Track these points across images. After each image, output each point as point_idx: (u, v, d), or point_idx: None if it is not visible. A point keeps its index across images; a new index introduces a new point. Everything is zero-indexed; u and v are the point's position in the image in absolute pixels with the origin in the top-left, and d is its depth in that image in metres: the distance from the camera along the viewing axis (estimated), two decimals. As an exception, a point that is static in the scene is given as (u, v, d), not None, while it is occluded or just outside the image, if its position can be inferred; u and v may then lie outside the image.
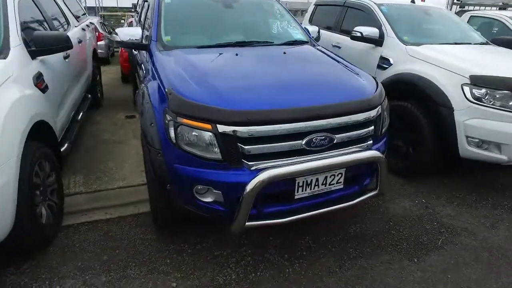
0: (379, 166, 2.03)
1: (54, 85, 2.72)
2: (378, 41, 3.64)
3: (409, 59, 3.29)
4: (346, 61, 2.65)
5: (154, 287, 1.97)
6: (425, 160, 3.06)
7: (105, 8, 22.45)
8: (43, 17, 3.20)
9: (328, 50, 2.89)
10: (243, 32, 2.96)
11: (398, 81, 3.31)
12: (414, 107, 3.08)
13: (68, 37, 2.75)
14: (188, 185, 1.88)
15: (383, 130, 2.23)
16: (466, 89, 2.77)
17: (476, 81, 2.74)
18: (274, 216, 1.92)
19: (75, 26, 4.18)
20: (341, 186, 2.03)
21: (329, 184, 1.98)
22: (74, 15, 4.34)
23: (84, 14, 5.20)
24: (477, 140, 2.77)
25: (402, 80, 3.28)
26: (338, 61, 2.56)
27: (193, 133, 1.80)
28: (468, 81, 2.76)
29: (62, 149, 2.80)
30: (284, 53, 2.61)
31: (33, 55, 2.53)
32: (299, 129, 1.83)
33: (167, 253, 2.24)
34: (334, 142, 1.92)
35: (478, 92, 2.73)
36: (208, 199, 1.90)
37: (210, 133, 1.76)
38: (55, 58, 2.92)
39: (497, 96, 2.70)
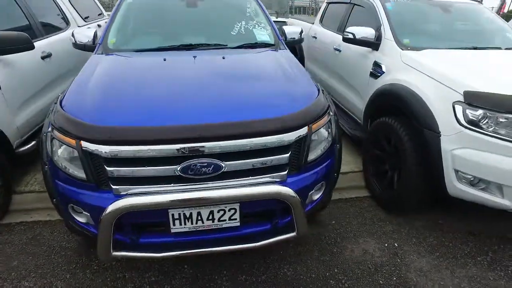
0: (290, 205, 1.61)
1: (11, 84, 2.78)
2: (373, 44, 3.05)
3: (402, 67, 2.68)
4: (298, 69, 2.22)
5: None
6: (409, 193, 2.46)
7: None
8: (26, 16, 3.32)
9: (286, 57, 2.47)
10: (197, 34, 2.69)
11: (385, 93, 2.73)
12: (399, 126, 2.49)
13: (28, 37, 2.80)
14: (64, 202, 1.72)
15: (313, 158, 1.78)
16: (458, 109, 2.12)
17: (471, 98, 2.08)
18: (150, 249, 1.66)
19: (78, 26, 4.33)
20: (237, 224, 1.67)
21: (219, 220, 1.64)
22: (81, 15, 4.50)
23: (100, 14, 5.40)
24: (469, 177, 2.11)
25: (388, 92, 2.69)
26: (281, 71, 2.14)
27: (61, 149, 1.62)
28: (461, 99, 2.12)
29: (22, 149, 2.87)
30: (223, 58, 2.28)
31: (-13, 55, 2.61)
32: (173, 153, 1.52)
33: (74, 266, 2.12)
34: (223, 170, 1.57)
35: (473, 113, 2.07)
36: (83, 220, 1.72)
37: (73, 150, 1.57)
38: (26, 58, 2.98)
39: (501, 121, 2.01)
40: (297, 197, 1.62)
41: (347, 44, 3.31)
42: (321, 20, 4.74)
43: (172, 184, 1.56)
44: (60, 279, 2.03)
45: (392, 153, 2.61)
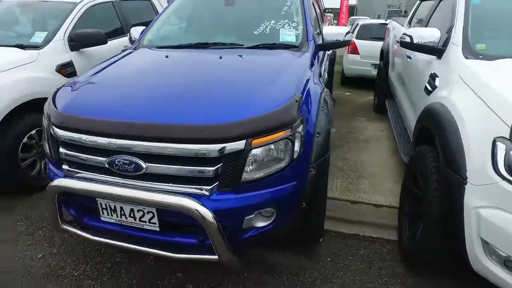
0: (201, 223, 1.45)
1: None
2: (436, 51, 2.35)
3: (456, 81, 1.97)
4: (290, 76, 1.91)
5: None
6: (425, 250, 1.84)
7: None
8: (119, 19, 4.01)
9: (294, 61, 2.17)
10: (219, 33, 2.65)
11: (425, 114, 2.08)
12: (431, 159, 1.87)
13: (103, 34, 3.38)
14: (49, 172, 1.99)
15: (254, 178, 1.53)
16: (500, 148, 1.43)
17: (522, 136, 1.37)
18: (89, 231, 1.77)
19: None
20: (157, 228, 1.60)
21: (140, 220, 1.61)
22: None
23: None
24: (503, 254, 1.42)
25: (427, 113, 2.04)
26: (266, 76, 1.89)
27: (45, 130, 1.88)
28: (507, 134, 1.43)
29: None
30: (220, 58, 2.18)
31: (72, 48, 3.27)
32: (104, 146, 1.57)
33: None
34: (144, 171, 1.53)
35: (520, 159, 1.36)
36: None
37: (48, 131, 1.81)
38: (102, 50, 3.55)
39: None
40: (211, 216, 1.43)
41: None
42: (409, 22, 3.97)
43: (102, 175, 1.62)
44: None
45: (419, 191, 1.99)
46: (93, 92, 1.88)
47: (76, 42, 3.26)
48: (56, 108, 1.76)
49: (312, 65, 2.29)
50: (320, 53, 2.78)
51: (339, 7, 19.83)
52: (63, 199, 1.75)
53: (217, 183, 1.52)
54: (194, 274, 2.01)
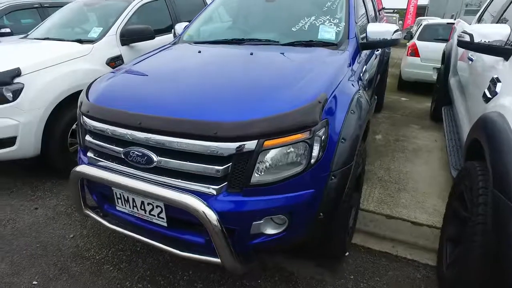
0: (204, 224, 1.39)
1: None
2: (502, 51, 2.00)
3: (521, 87, 1.65)
4: (317, 76, 1.76)
5: None
6: (467, 279, 1.56)
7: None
8: (170, 16, 4.16)
9: (328, 60, 2.00)
10: (257, 29, 2.57)
11: (478, 125, 1.78)
12: (479, 177, 1.59)
13: (151, 30, 3.53)
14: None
15: (264, 182, 1.43)
16: None
17: None
18: (107, 217, 1.83)
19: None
20: (164, 224, 1.58)
21: (150, 213, 1.61)
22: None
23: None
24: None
25: (480, 124, 1.73)
26: (293, 75, 1.75)
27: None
28: None
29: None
30: (251, 54, 2.10)
31: (123, 43, 3.47)
32: (121, 136, 1.60)
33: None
34: (155, 165, 1.52)
35: None
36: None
37: (79, 120, 1.90)
38: (149, 46, 3.72)
39: None
40: (215, 218, 1.37)
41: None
42: (479, 19, 3.49)
43: (119, 166, 1.65)
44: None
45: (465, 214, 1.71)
46: (120, 84, 1.93)
47: (127, 37, 3.46)
48: (87, 98, 1.84)
49: (350, 64, 2.11)
50: (364, 53, 2.55)
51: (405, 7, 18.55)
52: (88, 185, 1.83)
53: (226, 183, 1.45)
54: (204, 273, 1.97)
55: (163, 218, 1.58)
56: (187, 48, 2.45)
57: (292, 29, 2.41)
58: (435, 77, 5.38)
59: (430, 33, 6.23)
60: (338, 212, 1.66)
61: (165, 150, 1.51)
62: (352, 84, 1.98)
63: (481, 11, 3.59)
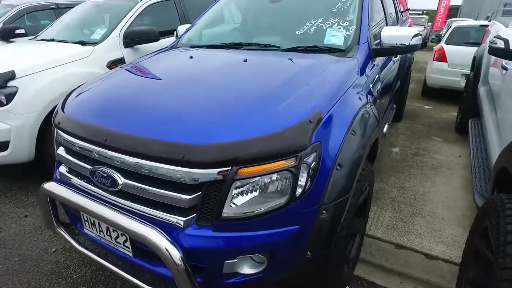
0: (163, 260, 1.20)
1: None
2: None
3: None
4: (313, 89, 1.51)
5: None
6: None
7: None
8: (179, 18, 4.02)
9: (329, 68, 1.74)
10: (256, 33, 2.36)
11: (509, 151, 1.48)
12: (504, 213, 1.31)
13: (155, 32, 3.39)
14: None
15: (236, 216, 1.22)
16: None
17: None
18: (80, 237, 1.68)
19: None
20: (130, 253, 1.40)
21: (115, 241, 1.43)
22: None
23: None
24: None
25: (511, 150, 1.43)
26: (286, 87, 1.51)
27: None
28: None
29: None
30: (245, 61, 1.88)
31: (126, 45, 3.36)
32: (87, 153, 1.43)
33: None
34: (120, 188, 1.34)
35: None
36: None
37: (53, 131, 1.76)
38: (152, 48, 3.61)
39: None
40: (177, 255, 1.17)
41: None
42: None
43: (88, 185, 1.48)
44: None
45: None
46: (95, 95, 1.75)
47: (130, 39, 3.34)
48: (61, 108, 1.69)
49: (358, 74, 1.85)
50: (379, 60, 2.27)
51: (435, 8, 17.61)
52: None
53: (195, 215, 1.25)
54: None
55: (128, 247, 1.40)
56: (179, 54, 2.26)
57: (296, 32, 2.17)
58: (463, 84, 4.94)
59: (460, 36, 5.76)
60: (333, 250, 1.41)
61: (131, 173, 1.32)
62: (359, 97, 1.72)
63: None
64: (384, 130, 3.07)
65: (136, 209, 1.33)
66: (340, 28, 2.14)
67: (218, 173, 1.18)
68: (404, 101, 4.69)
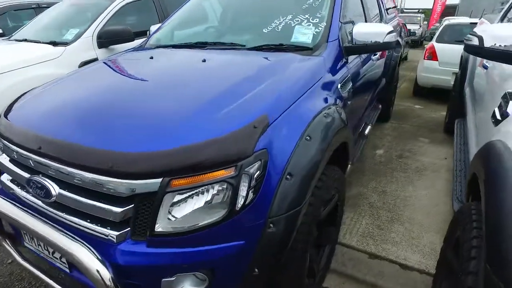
0: (93, 283, 1.10)
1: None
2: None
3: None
4: (264, 91, 1.40)
5: None
6: None
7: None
8: (158, 15, 3.90)
9: (287, 69, 1.63)
10: (226, 30, 2.26)
11: (479, 157, 1.37)
12: (470, 225, 1.22)
13: (130, 31, 3.29)
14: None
15: (167, 231, 1.11)
16: None
17: None
18: (23, 250, 1.57)
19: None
20: (66, 269, 1.30)
21: (53, 255, 1.33)
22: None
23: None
24: None
25: (481, 156, 1.33)
26: (238, 89, 1.40)
27: None
28: None
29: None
30: (204, 61, 1.77)
31: (100, 45, 3.25)
32: (25, 161, 1.33)
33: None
34: (55, 199, 1.23)
35: None
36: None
37: None
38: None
39: None
40: (108, 277, 1.07)
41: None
42: (502, 18, 2.98)
43: (28, 195, 1.38)
44: None
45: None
46: (39, 99, 1.63)
47: (104, 39, 3.23)
48: (4, 113, 1.58)
49: (325, 73, 1.74)
50: (352, 58, 2.16)
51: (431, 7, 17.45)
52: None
53: (129, 230, 1.14)
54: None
55: (64, 263, 1.30)
56: (141, 55, 2.14)
57: (264, 30, 2.06)
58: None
59: (451, 34, 5.64)
60: (285, 264, 1.30)
61: (65, 183, 1.22)
62: (323, 99, 1.62)
63: (506, 8, 3.07)
64: (366, 131, 2.97)
65: (72, 222, 1.23)
66: (310, 25, 2.03)
67: (148, 184, 1.07)
68: (392, 101, 4.58)
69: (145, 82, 1.62)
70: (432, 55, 5.47)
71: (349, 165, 2.30)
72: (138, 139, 1.14)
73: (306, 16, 2.08)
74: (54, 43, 3.13)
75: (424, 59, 5.61)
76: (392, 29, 2.05)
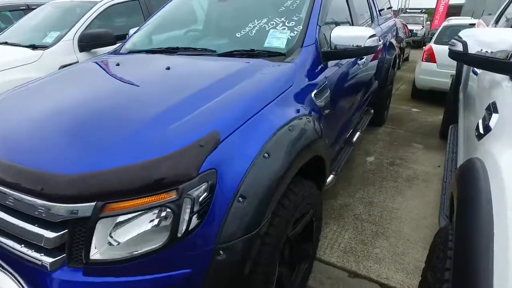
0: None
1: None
2: (505, 66, 1.45)
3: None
4: (230, 98, 1.31)
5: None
6: None
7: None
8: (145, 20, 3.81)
9: (254, 77, 1.51)
10: (200, 34, 2.16)
11: (457, 175, 1.25)
12: (444, 246, 1.11)
13: (111, 34, 3.21)
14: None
15: (103, 259, 1.00)
16: None
17: None
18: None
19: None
20: None
21: None
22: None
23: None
24: None
25: (458, 174, 1.21)
26: (204, 97, 1.31)
27: None
28: None
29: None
30: (168, 68, 1.66)
31: (81, 48, 3.17)
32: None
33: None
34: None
35: None
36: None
37: None
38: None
39: None
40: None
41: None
42: (497, 21, 2.84)
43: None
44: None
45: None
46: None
47: (85, 43, 3.15)
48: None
49: (297, 80, 1.63)
50: (332, 64, 2.03)
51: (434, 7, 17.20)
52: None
53: (65, 256, 1.04)
54: None
55: (1, 290, 1.20)
56: (110, 61, 2.04)
57: (237, 35, 1.96)
58: (452, 86, 4.68)
59: (450, 35, 5.46)
60: (243, 292, 1.19)
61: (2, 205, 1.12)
62: (295, 109, 1.51)
63: (499, 11, 2.93)
64: (354, 138, 2.84)
65: (8, 246, 1.13)
66: (285, 28, 1.91)
67: (80, 209, 0.97)
68: (387, 104, 4.44)
69: (98, 94, 1.51)
70: (431, 57, 5.32)
71: (331, 176, 2.19)
72: (72, 159, 1.05)
73: (282, 19, 1.97)
74: (34, 47, 3.06)
75: (422, 61, 5.46)
76: (374, 32, 1.93)
